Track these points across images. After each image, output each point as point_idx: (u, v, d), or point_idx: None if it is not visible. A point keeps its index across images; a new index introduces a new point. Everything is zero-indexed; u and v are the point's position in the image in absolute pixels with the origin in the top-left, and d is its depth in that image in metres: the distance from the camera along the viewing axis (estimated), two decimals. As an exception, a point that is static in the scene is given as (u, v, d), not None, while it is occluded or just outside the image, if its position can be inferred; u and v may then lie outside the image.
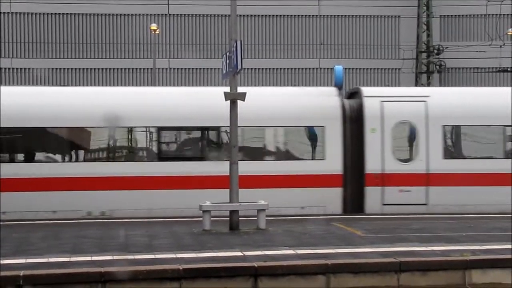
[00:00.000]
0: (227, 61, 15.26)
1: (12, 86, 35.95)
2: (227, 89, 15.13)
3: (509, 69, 41.64)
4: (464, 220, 16.40)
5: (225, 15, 40.47)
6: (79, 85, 40.45)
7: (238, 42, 14.41)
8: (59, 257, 11.52)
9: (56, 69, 42.57)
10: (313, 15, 44.61)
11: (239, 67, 14.39)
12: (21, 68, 43.06)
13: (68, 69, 43.14)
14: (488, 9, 42.49)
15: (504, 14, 43.38)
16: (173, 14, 44.17)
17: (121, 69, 43.87)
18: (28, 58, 43.08)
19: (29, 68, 42.86)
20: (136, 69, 43.81)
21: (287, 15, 44.51)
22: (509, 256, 11.58)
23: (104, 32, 43.85)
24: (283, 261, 11.20)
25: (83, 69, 43.45)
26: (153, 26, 40.01)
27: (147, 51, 42.84)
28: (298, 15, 44.51)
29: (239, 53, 14.29)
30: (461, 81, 44.82)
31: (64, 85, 39.57)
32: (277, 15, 44.57)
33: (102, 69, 43.69)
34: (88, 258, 11.39)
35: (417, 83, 44.28)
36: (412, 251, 12.04)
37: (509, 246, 12.36)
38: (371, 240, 13.27)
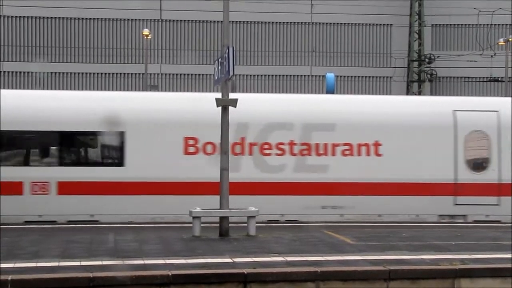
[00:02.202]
0: (219, 67, 15.27)
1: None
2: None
3: (500, 79, 41.88)
4: (453, 229, 16.45)
5: (218, 21, 40.52)
6: (70, 89, 40.45)
7: (230, 48, 14.43)
8: (48, 261, 11.48)
9: (49, 73, 42.51)
10: (305, 23, 44.71)
11: (231, 73, 14.41)
12: (13, 72, 42.99)
13: (59, 73, 43.08)
14: (479, 19, 42.74)
15: (495, 24, 43.62)
16: (166, 20, 44.20)
17: (113, 73, 43.86)
18: (21, 62, 43.01)
19: (21, 72, 42.82)
20: (128, 74, 43.81)
21: (280, 22, 44.61)
22: (498, 266, 11.63)
23: (97, 37, 43.84)
24: (273, 267, 11.20)
25: (75, 73, 43.41)
26: (146, 31, 40.04)
27: (139, 56, 42.85)
28: (291, 22, 44.61)
29: (231, 59, 14.30)
30: (452, 91, 45.00)
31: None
32: (269, 22, 44.66)
33: (94, 73, 43.67)
34: (77, 263, 11.36)
35: (408, 92, 44.45)
36: (401, 259, 12.06)
37: (498, 255, 12.41)
38: (361, 248, 13.29)
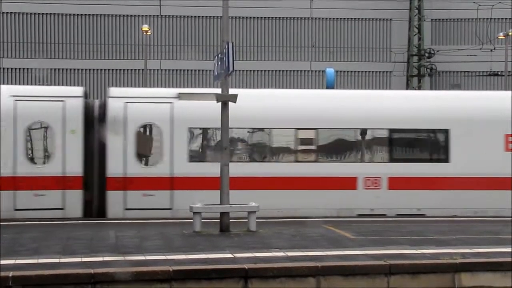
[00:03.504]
0: (219, 63, 15.25)
1: None
2: None
3: (499, 73, 41.85)
4: (454, 223, 16.46)
5: (217, 16, 40.51)
6: (69, 85, 40.39)
7: (230, 44, 14.41)
8: (49, 258, 11.49)
9: (49, 69, 42.45)
10: (305, 18, 44.67)
11: (231, 68, 14.40)
12: (13, 68, 42.99)
13: (59, 69, 43.05)
14: (479, 13, 42.67)
15: (494, 18, 43.56)
16: (165, 15, 44.16)
17: (112, 69, 43.83)
18: (21, 58, 43.01)
19: (21, 68, 42.82)
20: (128, 70, 43.77)
21: (279, 17, 44.56)
22: (498, 259, 11.63)
23: (96, 33, 43.80)
24: (274, 263, 11.21)
25: (75, 69, 43.40)
26: (145, 27, 40.01)
27: (139, 52, 42.82)
28: (290, 18, 44.56)
29: (231, 55, 14.29)
30: (452, 85, 44.96)
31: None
32: (269, 17, 44.61)
33: (94, 69, 43.65)
34: (78, 259, 11.37)
35: (408, 86, 44.42)
36: (402, 253, 12.07)
37: (498, 250, 12.42)
38: (361, 242, 13.30)
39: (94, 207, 17.68)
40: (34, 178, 17.18)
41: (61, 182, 17.27)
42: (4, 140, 17.22)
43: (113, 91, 18.72)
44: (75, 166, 17.32)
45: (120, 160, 17.43)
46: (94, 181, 17.66)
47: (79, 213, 17.39)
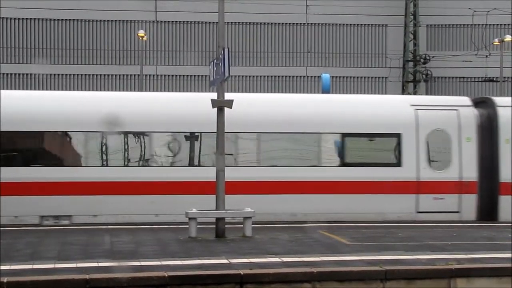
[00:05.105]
0: (215, 69, 15.27)
1: None
2: None
3: (494, 79, 41.95)
4: (450, 229, 16.48)
5: (213, 22, 40.50)
6: (69, 90, 40.35)
7: (226, 50, 14.43)
8: (44, 263, 11.47)
9: (46, 74, 42.44)
10: (300, 23, 44.71)
11: (227, 74, 14.41)
12: (11, 74, 42.96)
13: (56, 75, 43.02)
14: (474, 19, 42.78)
15: (490, 24, 43.67)
16: (161, 21, 44.18)
17: (108, 75, 43.81)
18: (18, 64, 42.97)
19: (19, 74, 42.80)
20: (124, 75, 43.76)
21: (275, 23, 44.60)
22: (494, 265, 11.65)
23: (92, 39, 43.78)
24: (269, 268, 11.21)
25: (72, 75, 43.34)
26: (141, 32, 40.02)
27: (135, 58, 42.82)
28: (286, 23, 44.60)
29: (227, 61, 14.31)
30: (447, 91, 45.07)
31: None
32: (265, 23, 44.65)
33: (89, 75, 43.61)
34: (73, 265, 11.35)
35: (403, 92, 44.48)
36: (397, 259, 12.08)
37: (494, 255, 12.44)
38: (357, 248, 13.30)
39: (483, 211, 18.55)
40: (434, 183, 18.30)
41: (458, 187, 18.40)
42: (407, 147, 18.38)
43: (501, 100, 19.67)
44: (470, 172, 18.47)
45: None
46: (484, 186, 18.58)
47: (473, 217, 18.45)
